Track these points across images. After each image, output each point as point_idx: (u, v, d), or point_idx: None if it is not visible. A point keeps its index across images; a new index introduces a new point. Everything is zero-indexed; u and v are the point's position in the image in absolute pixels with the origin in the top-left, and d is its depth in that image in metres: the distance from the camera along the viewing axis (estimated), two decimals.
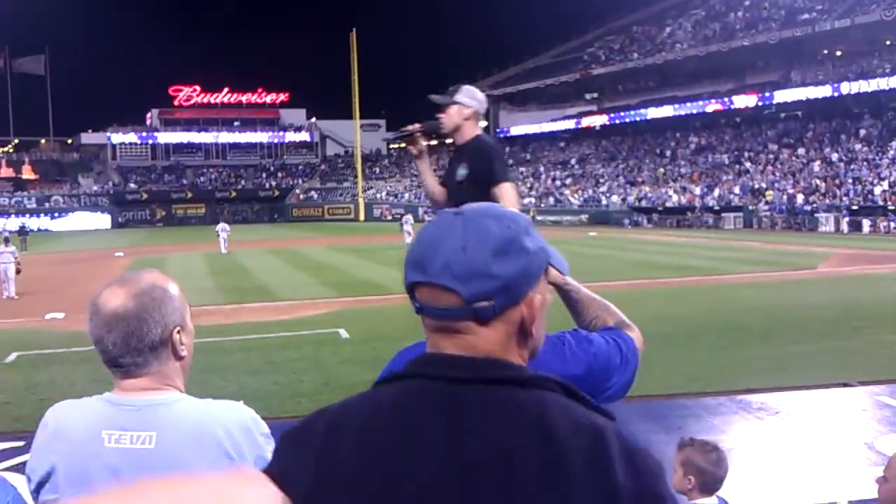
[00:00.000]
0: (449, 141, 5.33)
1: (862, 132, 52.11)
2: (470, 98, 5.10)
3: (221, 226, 36.63)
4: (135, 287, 1.87)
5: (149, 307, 1.84)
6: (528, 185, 68.99)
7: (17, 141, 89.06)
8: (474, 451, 1.12)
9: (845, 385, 8.71)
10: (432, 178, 5.24)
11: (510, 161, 77.31)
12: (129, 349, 1.83)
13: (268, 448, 1.86)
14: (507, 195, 5.10)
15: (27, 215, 67.15)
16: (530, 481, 1.09)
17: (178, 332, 1.88)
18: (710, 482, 3.31)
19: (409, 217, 38.48)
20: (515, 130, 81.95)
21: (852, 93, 53.59)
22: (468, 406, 1.16)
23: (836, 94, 54.75)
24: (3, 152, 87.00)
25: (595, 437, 1.12)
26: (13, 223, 60.28)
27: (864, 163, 47.68)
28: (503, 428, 1.13)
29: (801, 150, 53.10)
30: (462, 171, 5.06)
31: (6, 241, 21.47)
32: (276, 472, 1.22)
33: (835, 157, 49.98)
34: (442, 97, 5.17)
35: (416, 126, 5.03)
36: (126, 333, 1.82)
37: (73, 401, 1.98)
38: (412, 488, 1.13)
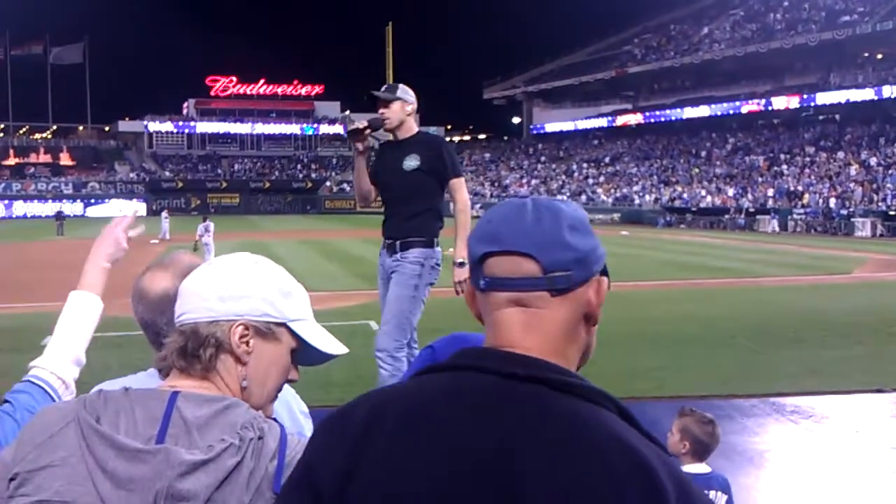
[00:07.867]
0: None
1: None
2: (409, 95, 5.49)
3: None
4: (178, 268, 1.92)
5: None
6: (560, 182, 68.74)
7: (55, 127, 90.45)
8: (523, 463, 1.04)
9: (879, 391, 8.61)
10: (367, 175, 5.72)
11: (543, 158, 77.11)
12: None
13: (306, 426, 1.93)
14: (462, 189, 5.52)
15: (64, 201, 67.96)
16: None
17: None
18: (702, 450, 3.73)
19: None
20: (549, 127, 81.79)
21: (893, 96, 52.80)
22: (524, 407, 1.09)
23: (876, 98, 54.00)
24: (41, 138, 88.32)
25: (650, 475, 1.02)
26: (50, 208, 61.01)
27: None
28: (559, 444, 1.05)
29: (839, 154, 52.41)
30: (412, 163, 5.41)
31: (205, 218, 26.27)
32: (306, 461, 1.20)
33: (873, 161, 49.27)
34: (385, 93, 5.48)
35: (365, 123, 5.43)
36: None
37: (118, 379, 2.01)
38: (452, 488, 1.06)
